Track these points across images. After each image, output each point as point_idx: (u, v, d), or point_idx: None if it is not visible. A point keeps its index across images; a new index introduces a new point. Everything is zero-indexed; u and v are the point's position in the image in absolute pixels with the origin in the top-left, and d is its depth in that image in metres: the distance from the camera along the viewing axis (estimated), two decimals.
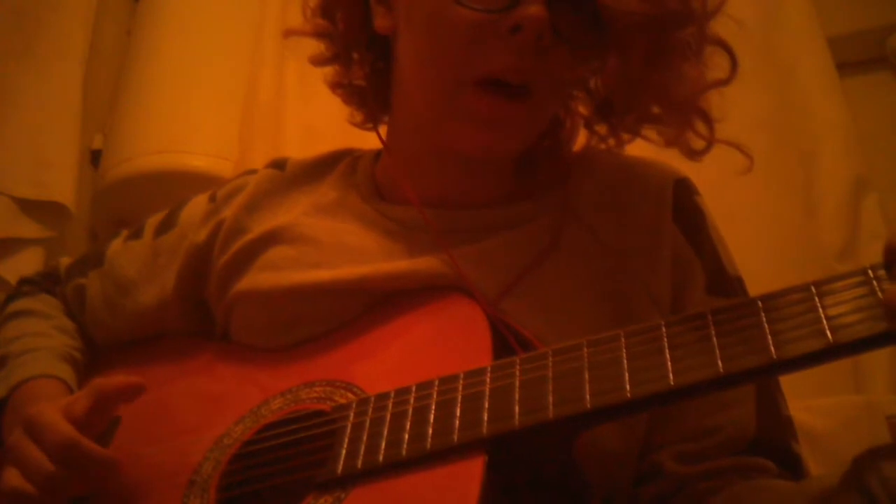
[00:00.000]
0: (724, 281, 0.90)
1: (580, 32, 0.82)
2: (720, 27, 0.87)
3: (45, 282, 1.13)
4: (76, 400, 0.85)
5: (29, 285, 1.13)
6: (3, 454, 0.87)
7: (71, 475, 0.81)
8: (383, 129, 1.00)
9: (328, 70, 1.01)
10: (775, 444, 0.84)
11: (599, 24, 0.81)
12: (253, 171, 1.07)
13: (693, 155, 0.89)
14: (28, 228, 1.71)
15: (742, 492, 0.79)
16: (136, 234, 1.07)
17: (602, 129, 0.95)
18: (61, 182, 1.73)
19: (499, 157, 0.91)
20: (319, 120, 1.74)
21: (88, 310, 1.06)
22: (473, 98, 0.83)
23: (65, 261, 1.14)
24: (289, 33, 1.01)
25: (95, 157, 1.95)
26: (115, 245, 1.08)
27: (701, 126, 0.87)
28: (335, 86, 1.01)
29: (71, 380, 0.98)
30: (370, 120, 1.01)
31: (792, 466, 0.83)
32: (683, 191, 0.93)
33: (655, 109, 0.88)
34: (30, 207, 1.71)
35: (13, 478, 0.81)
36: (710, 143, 0.88)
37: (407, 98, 0.93)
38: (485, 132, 0.85)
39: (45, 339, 1.02)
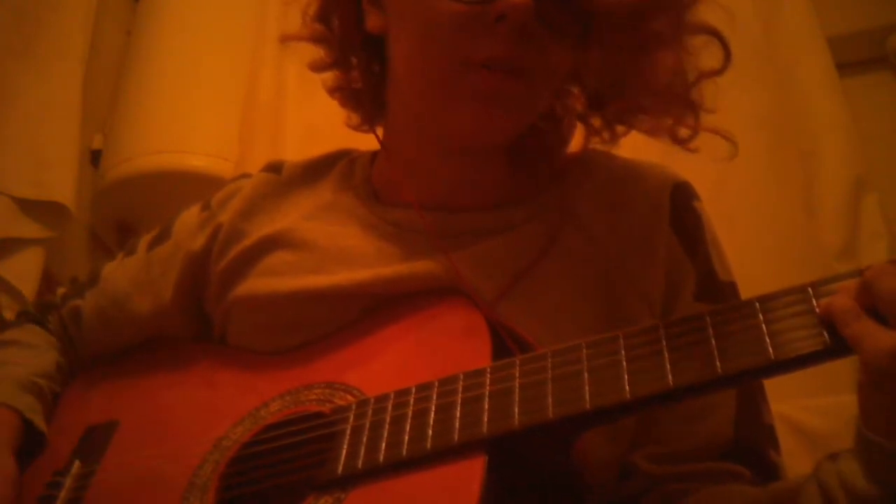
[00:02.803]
0: (714, 287, 0.90)
1: (564, 20, 0.83)
2: (716, 22, 0.88)
3: (39, 313, 1.12)
4: None
5: (22, 316, 1.14)
6: None
7: None
8: (380, 132, 1.00)
9: (327, 73, 1.01)
10: (753, 451, 0.84)
11: (583, 11, 0.82)
12: (247, 175, 1.07)
13: (679, 143, 0.89)
14: (28, 228, 1.71)
15: (711, 496, 0.80)
16: (131, 252, 1.08)
17: (596, 121, 0.95)
18: (61, 182, 1.73)
19: (495, 139, 0.90)
20: (320, 120, 1.74)
21: (85, 328, 1.07)
22: (469, 76, 0.83)
23: (61, 290, 1.14)
24: (286, 38, 1.02)
25: (95, 157, 1.95)
26: (111, 265, 1.09)
27: (686, 114, 0.87)
28: (333, 90, 1.01)
29: (29, 409, 0.97)
30: (367, 122, 1.01)
31: (769, 475, 0.83)
32: (682, 195, 0.93)
33: (641, 98, 0.88)
34: (30, 207, 1.71)
35: None
36: (695, 131, 0.88)
37: (402, 94, 0.93)
38: (482, 107, 0.84)
39: (13, 369, 1.01)
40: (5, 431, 0.95)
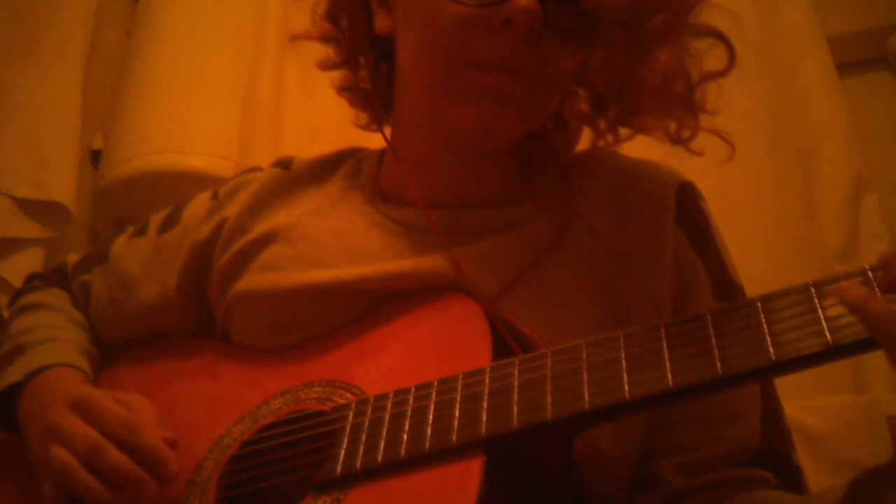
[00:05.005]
0: (727, 287, 0.90)
1: (570, 23, 0.83)
2: (719, 24, 0.88)
3: (55, 277, 1.13)
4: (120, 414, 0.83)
5: (38, 280, 1.13)
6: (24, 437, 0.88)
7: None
8: (388, 131, 1.00)
9: (333, 73, 1.02)
10: (777, 455, 0.84)
11: (588, 13, 0.82)
12: (257, 169, 1.07)
13: (679, 143, 0.89)
14: (28, 228, 1.71)
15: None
16: (141, 232, 1.07)
17: (602, 124, 0.95)
18: (61, 182, 1.73)
19: (499, 139, 0.90)
20: (320, 120, 1.74)
21: (94, 306, 1.07)
22: (470, 75, 0.84)
23: (72, 257, 1.14)
24: (295, 37, 1.02)
25: (95, 157, 1.95)
26: (120, 241, 1.08)
27: (688, 117, 0.87)
28: (342, 89, 1.02)
29: (90, 373, 0.98)
30: (375, 121, 1.02)
31: (790, 477, 0.83)
32: (687, 195, 0.93)
33: (644, 100, 0.88)
34: (30, 207, 1.71)
35: (61, 453, 0.80)
36: (695, 132, 0.88)
37: (409, 94, 0.94)
38: (485, 106, 0.84)
39: (63, 332, 1.02)
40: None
